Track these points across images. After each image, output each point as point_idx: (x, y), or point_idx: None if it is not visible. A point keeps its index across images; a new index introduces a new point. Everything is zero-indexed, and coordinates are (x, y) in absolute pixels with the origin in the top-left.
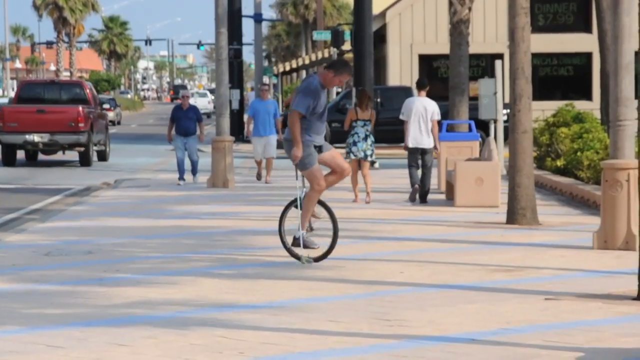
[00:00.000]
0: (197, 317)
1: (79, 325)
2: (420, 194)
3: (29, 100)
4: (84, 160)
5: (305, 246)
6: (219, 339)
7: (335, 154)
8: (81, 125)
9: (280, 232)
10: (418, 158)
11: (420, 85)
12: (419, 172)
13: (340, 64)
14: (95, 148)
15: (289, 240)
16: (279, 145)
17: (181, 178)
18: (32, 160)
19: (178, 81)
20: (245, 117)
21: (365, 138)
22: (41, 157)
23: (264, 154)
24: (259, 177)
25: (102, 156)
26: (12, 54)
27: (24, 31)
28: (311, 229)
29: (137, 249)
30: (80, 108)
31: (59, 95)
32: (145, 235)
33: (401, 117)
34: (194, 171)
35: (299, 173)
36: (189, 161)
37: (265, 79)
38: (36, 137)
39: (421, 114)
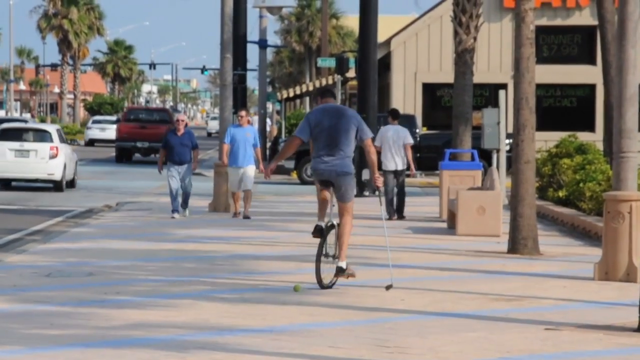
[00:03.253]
0: (196, 340)
1: (79, 346)
2: (397, 210)
3: (132, 120)
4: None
5: (350, 275)
6: None
7: None
8: None
9: (319, 269)
10: (393, 179)
11: (394, 115)
12: (395, 189)
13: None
14: None
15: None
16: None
17: (175, 210)
18: (128, 160)
19: (179, 105)
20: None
21: None
22: (136, 157)
23: (241, 186)
24: (236, 214)
25: None
26: (17, 76)
27: (28, 53)
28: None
29: (137, 271)
30: (168, 126)
31: (152, 117)
32: (146, 258)
33: (375, 144)
34: (185, 204)
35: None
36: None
37: (269, 105)
38: (139, 144)
39: (394, 140)
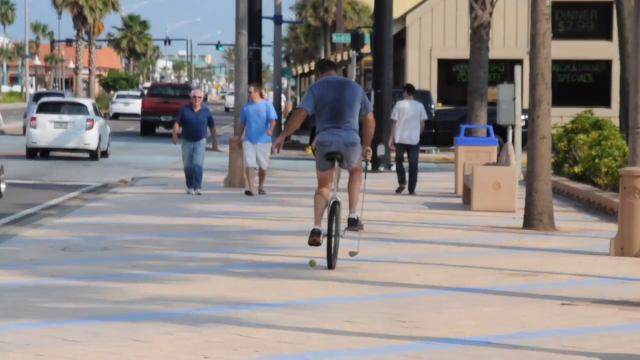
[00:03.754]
0: (212, 314)
1: (95, 320)
2: (409, 186)
3: (156, 95)
4: None
5: (361, 227)
6: (235, 336)
7: None
8: None
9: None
10: (404, 153)
11: (410, 90)
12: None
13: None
14: None
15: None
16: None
17: (189, 186)
18: (152, 133)
19: (193, 81)
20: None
21: None
22: (160, 130)
23: (258, 163)
24: (248, 192)
25: None
26: (32, 51)
27: (43, 28)
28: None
29: (153, 246)
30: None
31: (174, 92)
32: (162, 232)
33: (392, 117)
34: (198, 181)
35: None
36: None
37: (284, 81)
38: (162, 118)
39: (410, 115)
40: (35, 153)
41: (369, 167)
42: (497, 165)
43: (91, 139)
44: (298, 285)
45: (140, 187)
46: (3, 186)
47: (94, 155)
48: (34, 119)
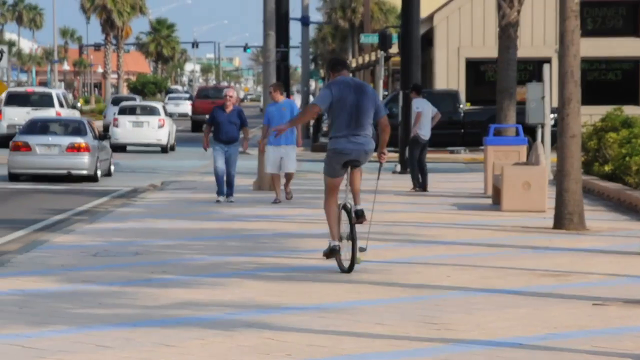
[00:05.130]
0: (244, 318)
1: (127, 326)
2: (413, 179)
3: (204, 97)
4: None
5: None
6: (266, 340)
7: None
8: None
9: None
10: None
11: (419, 90)
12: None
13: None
14: None
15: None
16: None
17: (221, 193)
18: (201, 130)
19: (222, 84)
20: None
21: None
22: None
23: (282, 168)
24: (277, 200)
25: None
26: (61, 56)
27: (72, 34)
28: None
29: (184, 250)
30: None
31: (221, 93)
32: (192, 237)
33: (418, 110)
34: (231, 188)
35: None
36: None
37: (312, 83)
38: None
39: (426, 113)
40: (117, 149)
41: (398, 168)
42: (526, 165)
43: (162, 136)
44: (329, 289)
45: (169, 191)
46: (112, 168)
47: (164, 149)
48: (115, 119)
